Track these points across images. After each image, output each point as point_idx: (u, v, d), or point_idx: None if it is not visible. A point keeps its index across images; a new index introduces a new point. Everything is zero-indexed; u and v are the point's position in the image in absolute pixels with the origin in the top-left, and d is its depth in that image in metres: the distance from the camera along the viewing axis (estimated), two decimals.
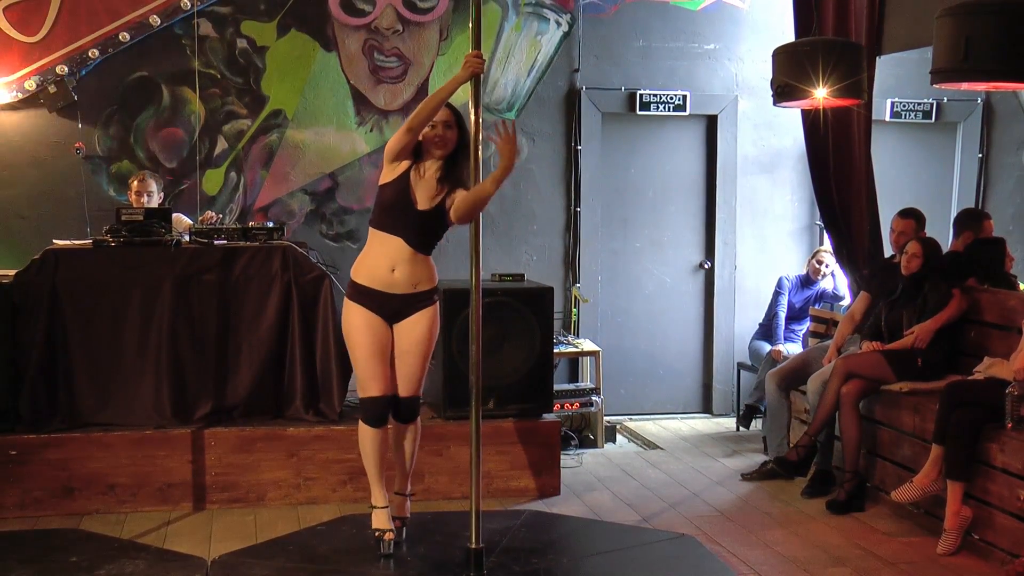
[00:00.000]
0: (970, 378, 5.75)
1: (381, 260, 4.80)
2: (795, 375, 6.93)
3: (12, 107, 7.52)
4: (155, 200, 7.01)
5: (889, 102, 8.61)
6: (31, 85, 7.49)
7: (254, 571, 4.80)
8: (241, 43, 7.77)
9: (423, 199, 4.77)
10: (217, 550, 5.19)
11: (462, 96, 7.94)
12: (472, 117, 4.68)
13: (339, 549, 5.10)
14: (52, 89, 7.54)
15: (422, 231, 4.81)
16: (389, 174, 4.79)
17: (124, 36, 7.56)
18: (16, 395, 5.93)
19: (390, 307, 4.84)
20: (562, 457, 6.59)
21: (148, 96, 7.70)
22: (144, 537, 5.46)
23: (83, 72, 7.58)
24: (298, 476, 6.06)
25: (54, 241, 6.28)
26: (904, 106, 8.70)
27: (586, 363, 8.03)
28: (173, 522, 5.75)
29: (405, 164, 4.78)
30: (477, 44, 4.64)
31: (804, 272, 8.23)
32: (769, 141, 8.63)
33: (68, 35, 7.51)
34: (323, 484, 6.09)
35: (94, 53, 7.55)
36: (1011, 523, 5.14)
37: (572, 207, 8.35)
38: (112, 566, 4.86)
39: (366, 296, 4.83)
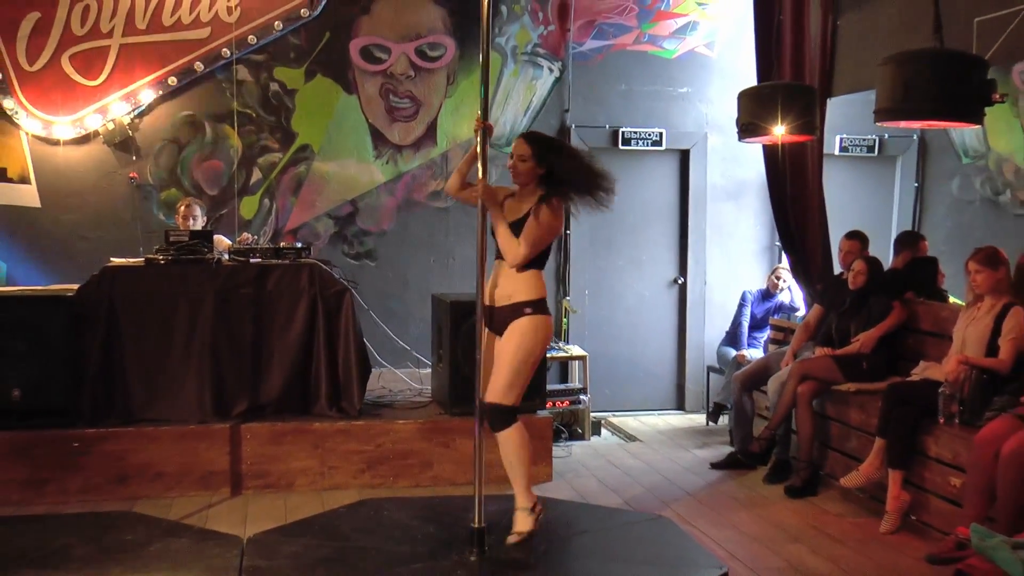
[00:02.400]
0: (908, 379, 5.76)
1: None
2: (757, 377, 6.93)
3: (76, 142, 7.56)
4: (199, 223, 7.03)
5: (838, 138, 8.65)
6: (92, 123, 7.53)
7: (284, 548, 4.80)
8: (274, 86, 7.82)
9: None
10: (251, 529, 5.19)
11: (466, 132, 8.05)
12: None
13: (359, 528, 5.10)
14: (110, 126, 7.58)
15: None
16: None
17: (172, 80, 7.61)
18: (78, 394, 5.93)
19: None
20: (554, 448, 6.58)
21: (193, 132, 7.74)
22: (188, 518, 5.47)
23: (137, 111, 7.62)
24: (323, 465, 6.06)
25: (111, 259, 6.31)
26: (851, 141, 8.74)
27: (575, 366, 8.05)
28: (213, 505, 5.76)
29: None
30: (486, 88, 4.66)
31: (765, 287, 8.25)
32: (735, 172, 8.66)
33: (124, 79, 7.56)
34: (344, 472, 6.09)
35: (147, 94, 7.58)
36: (944, 506, 5.17)
37: (562, 230, 8.35)
38: (160, 544, 4.87)
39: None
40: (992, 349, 5.30)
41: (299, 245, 6.55)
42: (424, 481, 6.16)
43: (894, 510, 5.35)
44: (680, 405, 8.75)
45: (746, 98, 6.67)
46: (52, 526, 5.17)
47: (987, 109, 5.12)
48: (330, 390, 6.24)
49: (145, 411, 6.06)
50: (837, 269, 7.15)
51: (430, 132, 8.06)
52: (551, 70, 8.26)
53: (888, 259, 7.22)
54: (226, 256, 6.35)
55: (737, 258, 8.73)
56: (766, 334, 7.99)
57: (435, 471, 6.14)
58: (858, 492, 5.84)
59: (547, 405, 6.80)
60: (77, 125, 7.52)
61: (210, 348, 6.11)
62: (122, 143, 7.59)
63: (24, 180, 7.54)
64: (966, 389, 5.19)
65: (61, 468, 5.75)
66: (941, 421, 5.21)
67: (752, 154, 8.18)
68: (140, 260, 6.26)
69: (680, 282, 8.71)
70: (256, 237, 7.35)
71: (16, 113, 7.42)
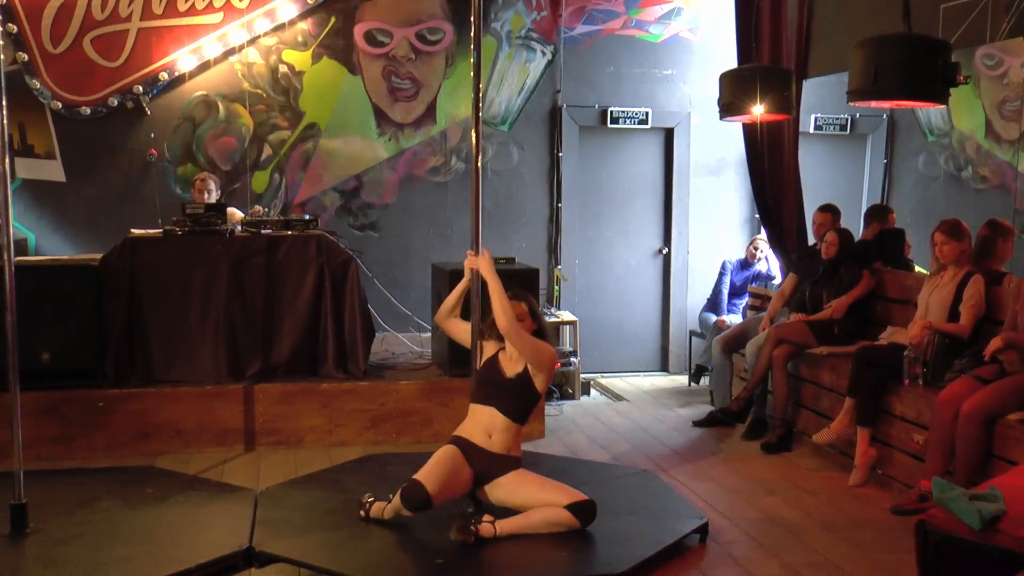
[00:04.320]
0: (876, 343, 5.78)
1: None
2: (736, 341, 6.95)
3: (98, 121, 7.50)
4: (214, 197, 7.00)
5: (813, 117, 8.60)
6: (113, 102, 7.47)
7: (294, 500, 4.82)
8: (283, 68, 7.74)
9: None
10: (264, 483, 5.23)
11: (464, 111, 8.02)
12: (472, 132, 4.66)
13: (363, 482, 5.10)
14: (130, 105, 7.52)
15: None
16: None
17: (188, 61, 7.54)
18: (103, 357, 5.95)
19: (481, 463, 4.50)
20: (546, 407, 6.62)
21: (207, 111, 7.68)
22: (206, 473, 5.50)
23: (155, 91, 7.56)
24: (330, 423, 6.09)
25: (132, 231, 6.28)
26: (825, 120, 8.70)
27: (566, 330, 8.04)
28: (229, 461, 5.79)
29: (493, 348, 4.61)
30: (477, 80, 4.61)
31: (743, 256, 8.24)
32: (716, 149, 8.62)
33: (143, 61, 7.48)
34: (350, 429, 6.12)
35: (164, 76, 7.52)
36: (907, 461, 5.19)
37: (555, 203, 8.35)
38: (180, 496, 4.89)
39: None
40: (954, 315, 5.31)
41: (307, 217, 6.54)
42: (425, 438, 6.18)
43: (862, 465, 5.38)
44: (664, 367, 8.76)
45: (727, 79, 6.64)
46: (80, 479, 5.20)
47: (951, 90, 5.09)
48: (337, 353, 6.25)
49: (165, 373, 6.08)
50: (811, 240, 7.15)
51: (430, 111, 8.00)
52: (544, 53, 8.20)
53: (859, 231, 7.21)
54: (239, 228, 6.35)
55: (718, 230, 8.70)
56: (745, 301, 8.00)
57: (435, 428, 6.15)
58: (829, 448, 5.87)
59: None
60: (99, 104, 7.45)
61: (225, 314, 6.12)
62: (141, 122, 7.51)
63: (50, 156, 7.49)
64: (929, 352, 5.21)
65: (88, 426, 5.78)
66: (906, 382, 5.22)
67: (732, 132, 8.14)
68: (159, 231, 6.25)
69: (664, 252, 8.69)
70: (267, 210, 7.32)
71: (42, 93, 7.36)
